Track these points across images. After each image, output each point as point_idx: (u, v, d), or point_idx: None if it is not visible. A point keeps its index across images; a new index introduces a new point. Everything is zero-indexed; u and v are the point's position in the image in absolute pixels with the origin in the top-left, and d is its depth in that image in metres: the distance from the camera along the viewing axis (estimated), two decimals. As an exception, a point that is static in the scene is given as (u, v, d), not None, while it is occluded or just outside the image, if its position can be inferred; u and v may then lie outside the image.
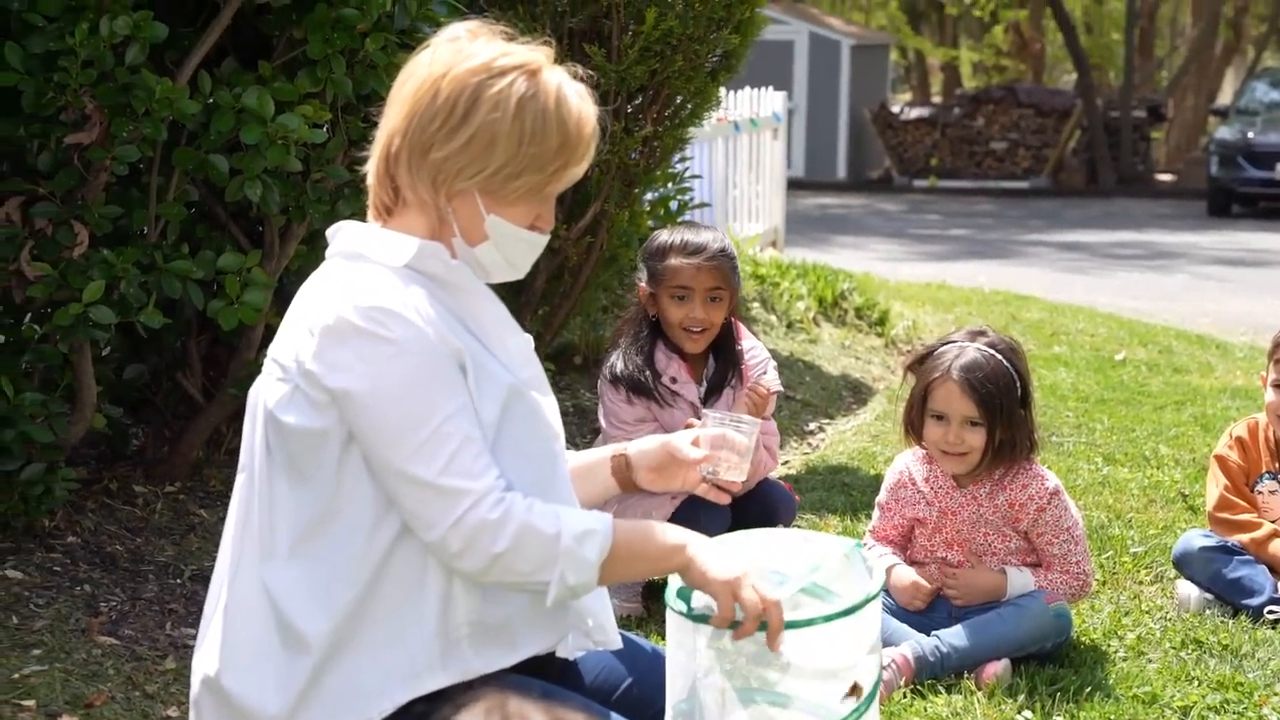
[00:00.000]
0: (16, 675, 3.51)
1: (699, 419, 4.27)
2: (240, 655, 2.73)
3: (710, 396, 4.61)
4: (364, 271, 2.68)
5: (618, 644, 2.95)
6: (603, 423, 4.63)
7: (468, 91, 2.65)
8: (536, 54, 2.71)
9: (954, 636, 3.78)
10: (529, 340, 3.02)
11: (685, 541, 2.67)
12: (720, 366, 4.66)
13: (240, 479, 2.78)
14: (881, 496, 4.17)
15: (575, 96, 2.70)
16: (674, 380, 4.53)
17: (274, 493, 2.72)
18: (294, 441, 2.68)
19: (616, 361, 4.57)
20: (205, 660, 2.76)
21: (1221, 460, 4.60)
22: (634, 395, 4.51)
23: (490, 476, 2.59)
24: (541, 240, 2.77)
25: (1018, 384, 3.91)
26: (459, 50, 2.70)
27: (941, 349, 3.98)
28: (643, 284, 4.54)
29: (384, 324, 2.59)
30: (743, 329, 4.75)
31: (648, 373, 4.51)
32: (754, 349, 4.74)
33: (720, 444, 3.02)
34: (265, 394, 2.72)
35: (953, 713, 3.50)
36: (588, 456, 3.12)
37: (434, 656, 2.70)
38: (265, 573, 2.72)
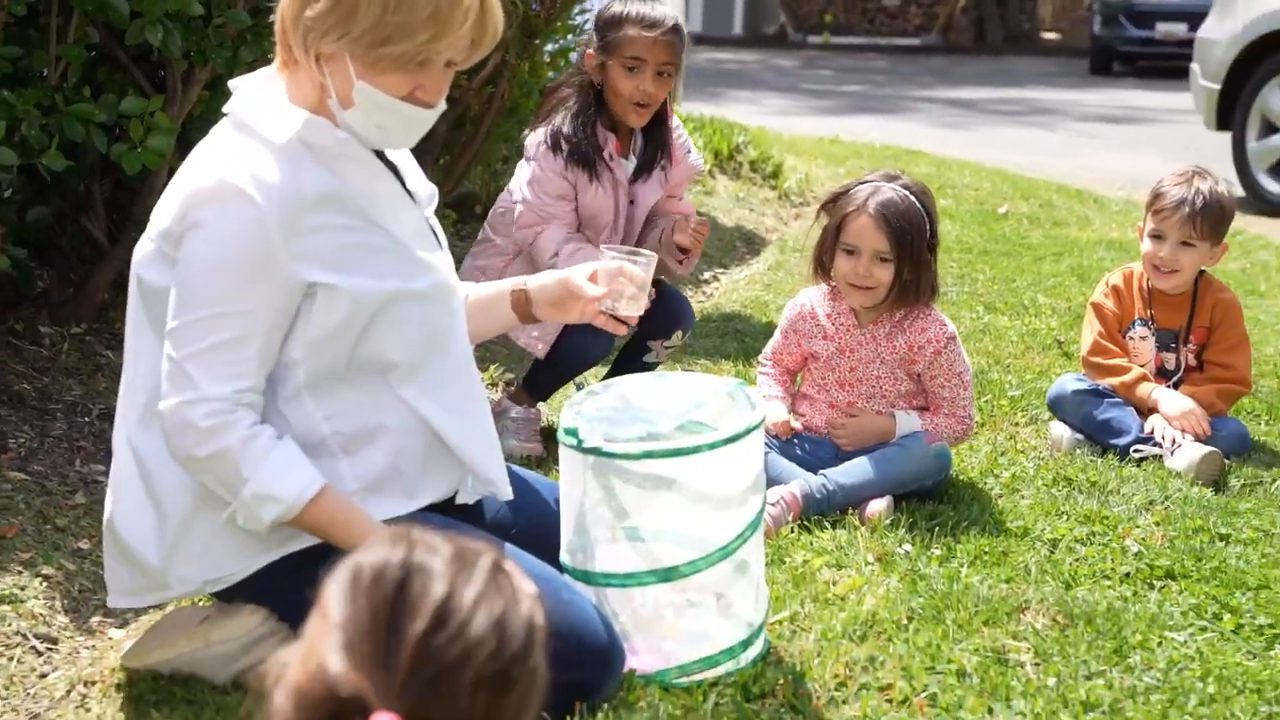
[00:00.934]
0: None
1: (615, 204, 4.40)
2: (123, 507, 2.81)
3: (640, 175, 4.58)
4: (243, 148, 2.67)
5: (508, 494, 3.01)
6: (520, 193, 4.46)
7: None
8: None
9: (840, 475, 3.86)
10: (432, 194, 3.02)
11: None
12: (650, 146, 4.60)
13: (126, 338, 2.81)
14: (782, 324, 4.21)
15: None
16: (610, 156, 4.47)
17: (139, 345, 2.78)
18: (151, 299, 2.71)
19: (563, 126, 4.41)
20: (107, 502, 2.85)
21: (1097, 307, 4.70)
22: (570, 164, 4.38)
23: (228, 388, 2.61)
24: (421, 113, 2.73)
25: (928, 226, 3.97)
26: None
27: (857, 187, 4.00)
28: (591, 52, 4.42)
29: (234, 197, 2.60)
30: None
31: (592, 142, 4.41)
32: (678, 128, 4.73)
33: (617, 277, 3.04)
34: (138, 253, 2.77)
35: (837, 546, 3.59)
36: (488, 289, 3.14)
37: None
38: (131, 431, 2.78)
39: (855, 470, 3.88)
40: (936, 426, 4.03)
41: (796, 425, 4.09)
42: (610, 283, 3.04)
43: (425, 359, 2.83)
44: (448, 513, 2.91)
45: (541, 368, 4.51)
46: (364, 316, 2.70)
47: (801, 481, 3.83)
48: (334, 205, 2.69)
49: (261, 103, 2.73)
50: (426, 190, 3.01)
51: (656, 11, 4.42)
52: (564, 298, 3.06)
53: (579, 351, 4.40)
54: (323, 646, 1.36)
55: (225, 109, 2.78)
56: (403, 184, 2.92)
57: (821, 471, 3.89)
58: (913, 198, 3.96)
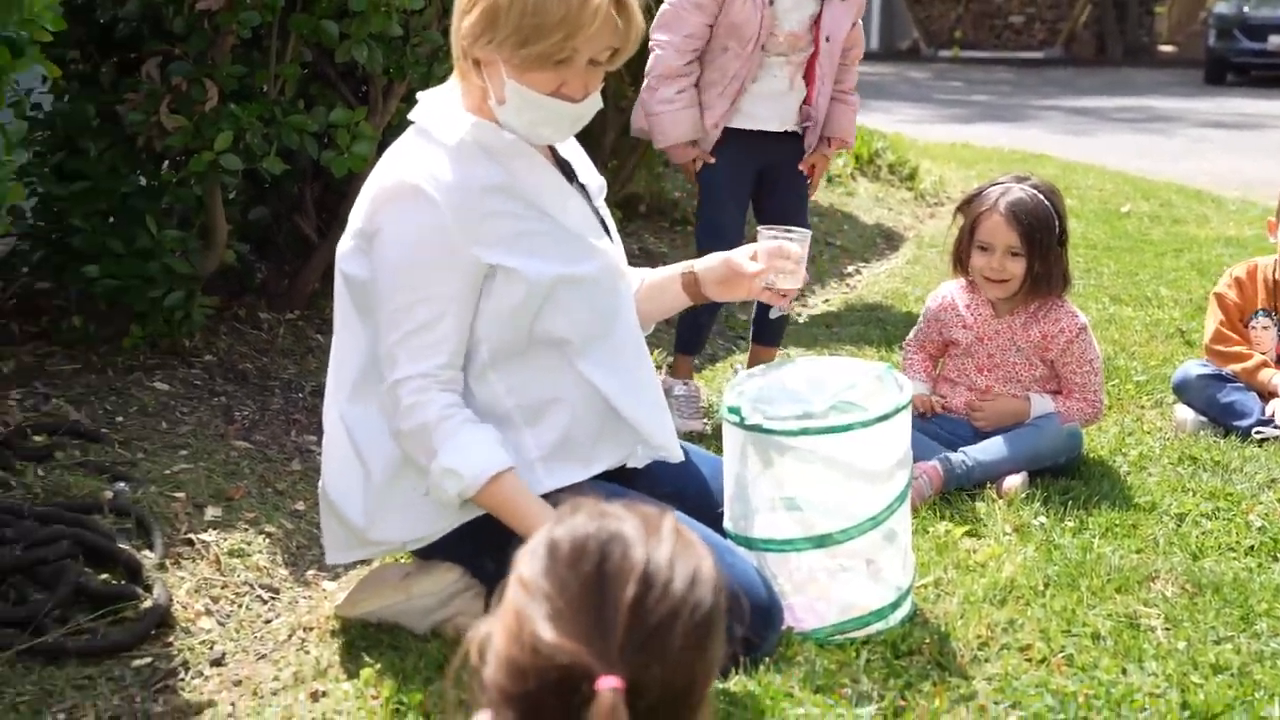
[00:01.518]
0: (168, 471, 3.60)
1: (760, 20, 4.31)
2: (334, 474, 2.85)
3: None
4: (421, 150, 2.72)
5: (679, 457, 3.00)
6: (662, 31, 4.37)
7: None
8: None
9: (979, 452, 3.79)
10: (601, 186, 3.03)
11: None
12: None
13: (335, 320, 2.87)
14: (925, 313, 4.16)
15: None
16: None
17: (346, 331, 2.83)
18: (355, 290, 2.76)
19: None
20: (322, 472, 2.90)
21: (1220, 298, 4.56)
22: None
23: (425, 365, 2.66)
24: (567, 107, 2.71)
25: (1056, 223, 3.89)
26: None
27: (989, 189, 3.94)
28: None
29: (414, 196, 2.65)
30: None
31: None
32: None
33: (776, 255, 3.02)
34: (340, 248, 2.81)
35: (976, 518, 3.53)
36: (660, 274, 3.13)
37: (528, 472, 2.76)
38: (341, 407, 2.83)
39: (992, 448, 3.81)
40: (1069, 409, 3.94)
41: (937, 403, 4.04)
42: (769, 260, 3.01)
43: (596, 336, 2.83)
44: (618, 480, 2.91)
45: (681, 326, 4.61)
46: (539, 297, 2.72)
47: (943, 458, 3.77)
48: (504, 195, 2.71)
49: (439, 110, 2.76)
50: (596, 182, 3.02)
51: None
52: (728, 276, 3.03)
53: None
54: (532, 619, 1.31)
55: (410, 116, 2.81)
56: (574, 177, 2.93)
57: (961, 449, 3.83)
58: (1041, 196, 3.88)
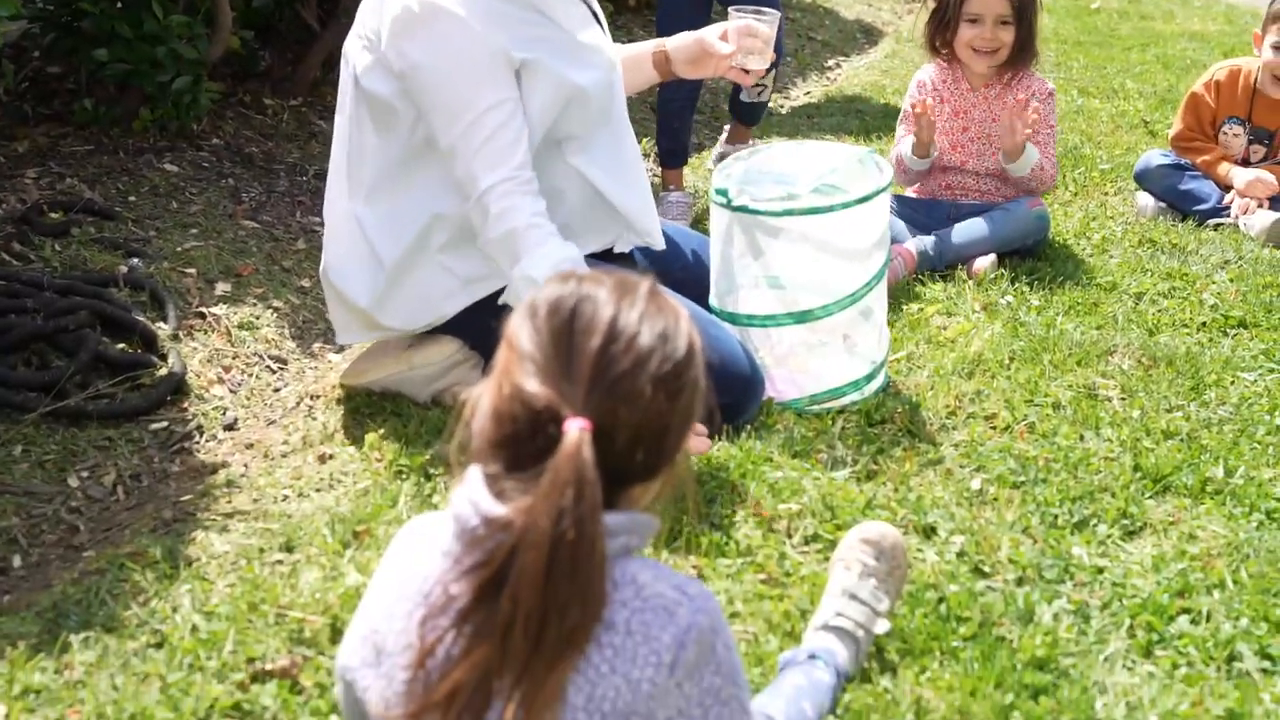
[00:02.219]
0: (180, 249, 3.53)
1: None
2: (340, 260, 2.78)
3: None
4: None
5: (661, 244, 2.94)
6: None
7: None
8: None
9: (951, 235, 3.74)
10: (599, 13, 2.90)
11: None
12: None
13: (338, 119, 2.75)
14: (909, 97, 4.00)
15: None
16: None
17: (363, 138, 2.70)
18: (375, 106, 2.63)
19: None
20: (324, 255, 2.83)
21: (1195, 99, 4.41)
22: None
23: (508, 167, 2.55)
24: None
25: None
26: None
27: None
28: None
29: (438, 17, 2.51)
30: None
31: None
32: None
33: (745, 34, 2.92)
34: (354, 56, 2.66)
35: (948, 296, 3.49)
36: (632, 50, 3.03)
37: (493, 266, 2.70)
38: (354, 206, 2.74)
39: (964, 231, 3.74)
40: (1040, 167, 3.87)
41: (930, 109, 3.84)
42: (739, 40, 2.91)
43: (595, 131, 2.74)
44: (605, 261, 2.85)
45: (661, 139, 4.45)
46: (563, 98, 2.63)
47: (917, 240, 3.71)
48: (515, 4, 2.59)
49: None
50: None
51: None
52: (699, 55, 2.94)
53: (669, 99, 4.35)
54: (514, 371, 1.36)
55: None
56: None
57: (935, 232, 3.76)
58: None
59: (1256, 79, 4.31)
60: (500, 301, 2.66)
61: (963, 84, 3.90)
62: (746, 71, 2.97)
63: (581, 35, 2.71)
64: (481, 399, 1.39)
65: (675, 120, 4.37)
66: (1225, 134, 4.36)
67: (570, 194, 2.74)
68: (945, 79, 3.92)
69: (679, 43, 2.97)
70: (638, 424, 1.35)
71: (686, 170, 4.54)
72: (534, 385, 1.33)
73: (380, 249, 2.72)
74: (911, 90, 4.00)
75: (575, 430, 1.31)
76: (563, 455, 1.29)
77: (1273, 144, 4.32)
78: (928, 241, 3.71)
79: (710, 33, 2.93)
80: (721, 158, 4.72)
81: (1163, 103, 5.70)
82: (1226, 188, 4.26)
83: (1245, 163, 4.33)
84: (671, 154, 4.44)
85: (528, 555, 1.29)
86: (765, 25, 2.93)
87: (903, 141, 3.90)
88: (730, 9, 3.08)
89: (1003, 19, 3.76)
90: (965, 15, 3.80)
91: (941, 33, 3.87)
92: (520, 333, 1.38)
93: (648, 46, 3.03)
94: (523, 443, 1.34)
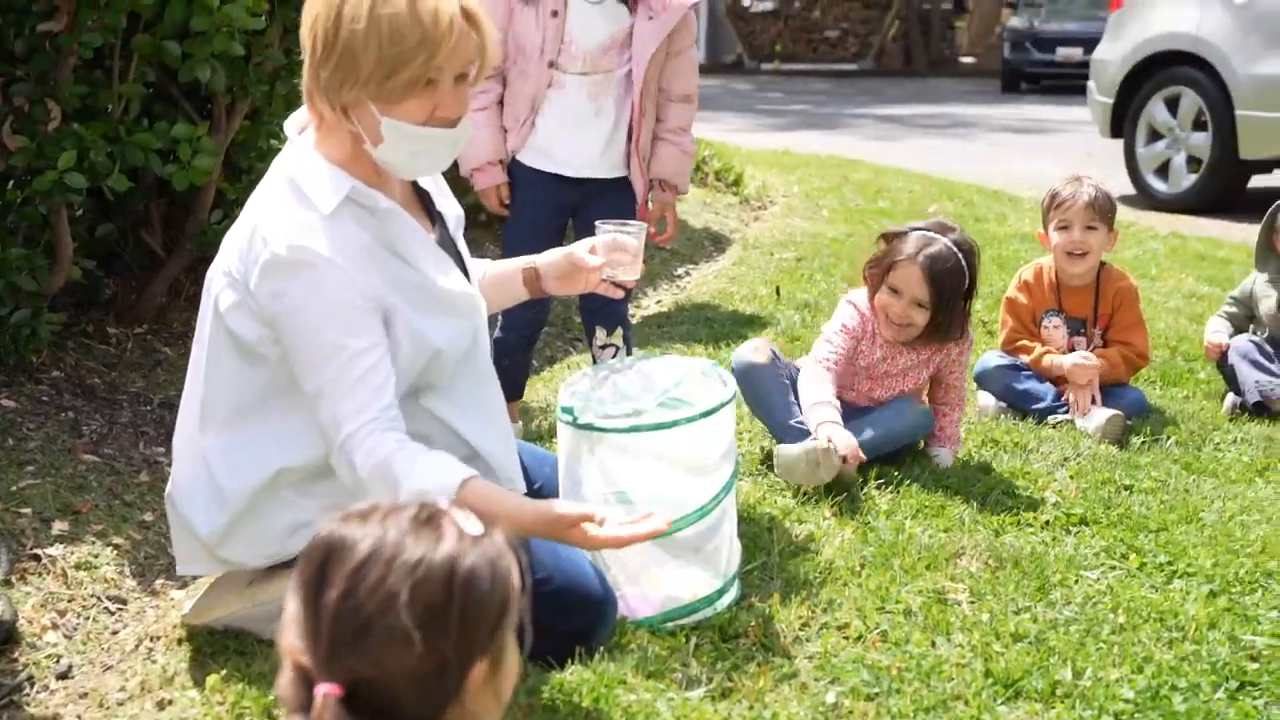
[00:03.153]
0: (14, 488, 3.42)
1: (543, 37, 3.87)
2: (184, 488, 2.74)
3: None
4: (301, 214, 2.54)
5: (523, 488, 2.90)
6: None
7: (333, 13, 2.46)
8: None
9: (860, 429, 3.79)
10: (459, 217, 2.92)
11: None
12: None
13: (195, 349, 2.72)
14: (843, 331, 3.95)
15: None
16: None
17: (220, 371, 2.66)
18: (240, 344, 2.61)
19: None
20: (170, 480, 2.78)
21: (1010, 302, 4.64)
22: None
23: (375, 409, 2.50)
24: (446, 132, 2.56)
25: (967, 280, 3.84)
26: None
27: (914, 233, 3.86)
28: None
29: (309, 264, 2.49)
30: None
31: None
32: None
33: (614, 249, 2.97)
34: (217, 290, 2.62)
35: (800, 503, 3.53)
36: (501, 267, 3.06)
37: (340, 501, 2.65)
38: (203, 439, 2.70)
39: (858, 429, 3.77)
40: (953, 422, 4.01)
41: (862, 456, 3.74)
42: (607, 254, 2.96)
43: (456, 379, 2.74)
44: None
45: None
46: (425, 353, 2.62)
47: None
48: (385, 250, 2.59)
49: (308, 164, 2.60)
50: (455, 212, 2.89)
51: None
52: (569, 270, 2.98)
53: (503, 338, 4.00)
54: (285, 623, 1.33)
55: (279, 158, 2.67)
56: (433, 205, 2.82)
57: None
58: (960, 255, 3.81)
59: (1054, 273, 4.57)
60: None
61: (879, 336, 3.96)
62: (617, 284, 3.02)
63: (442, 280, 2.68)
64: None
65: (506, 359, 3.80)
66: (1047, 328, 4.56)
67: (436, 439, 2.70)
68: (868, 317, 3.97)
69: (549, 259, 3.01)
70: (393, 675, 1.29)
71: (539, 383, 4.56)
72: (294, 641, 1.31)
73: (225, 484, 2.67)
74: (847, 321, 3.97)
75: (319, 696, 1.27)
76: None
77: (1086, 332, 4.54)
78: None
79: (579, 248, 2.98)
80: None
81: (998, 303, 5.92)
82: (1057, 380, 4.43)
83: (1072, 352, 4.52)
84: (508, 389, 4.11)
85: None
86: (632, 238, 3.00)
87: (824, 380, 3.85)
88: (597, 223, 3.10)
89: (919, 301, 3.80)
90: (889, 284, 3.84)
91: (870, 279, 3.92)
92: (293, 579, 1.36)
93: (517, 263, 3.05)
94: (300, 696, 1.30)
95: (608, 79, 3.95)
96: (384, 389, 2.52)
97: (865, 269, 3.97)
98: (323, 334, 2.51)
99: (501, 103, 3.98)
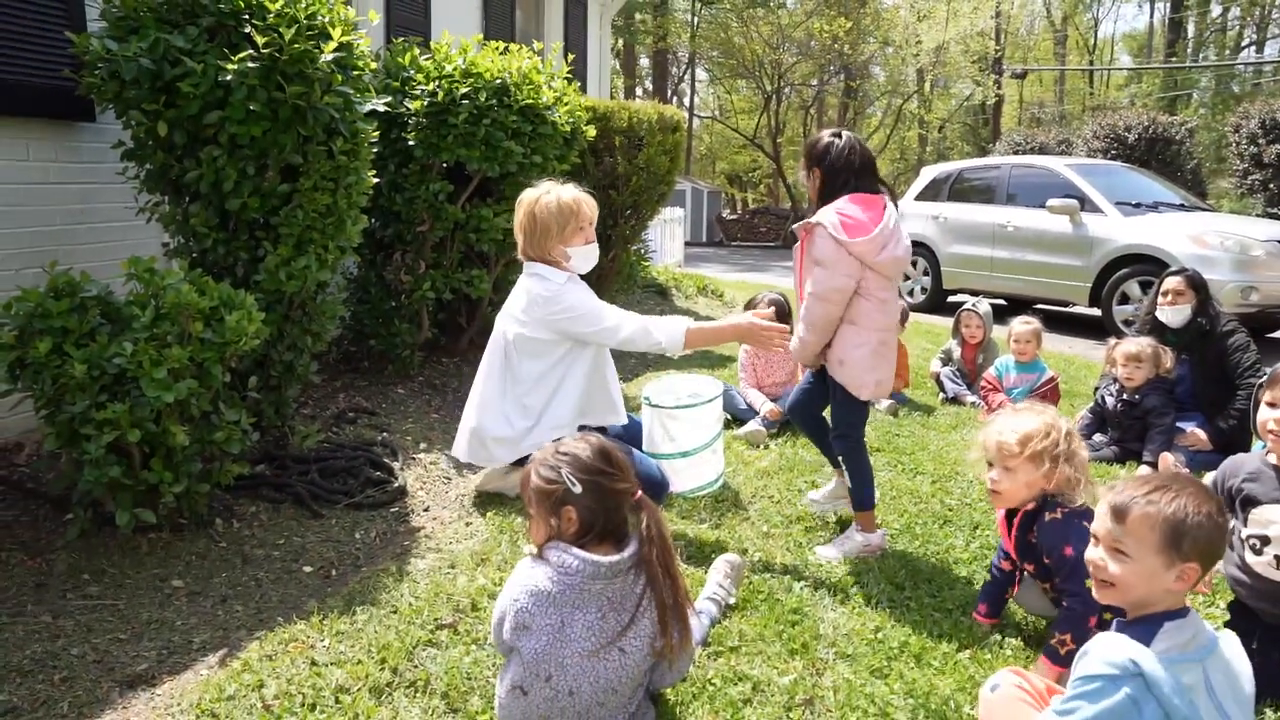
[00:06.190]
0: (403, 429, 3.33)
1: None
2: (488, 426, 2.59)
3: None
4: (550, 278, 2.52)
5: (624, 421, 2.79)
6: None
7: (534, 207, 2.51)
8: (563, 185, 2.55)
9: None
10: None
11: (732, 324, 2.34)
12: None
13: (483, 363, 2.64)
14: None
15: (576, 194, 2.54)
16: None
17: (521, 366, 2.56)
18: (534, 345, 2.53)
19: None
20: (475, 421, 2.57)
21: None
22: None
23: (615, 315, 2.42)
24: (593, 248, 2.56)
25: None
26: (534, 190, 2.55)
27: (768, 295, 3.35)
28: None
29: (566, 290, 2.48)
30: None
31: None
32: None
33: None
34: (507, 328, 2.57)
35: (746, 448, 3.38)
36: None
37: (576, 420, 2.60)
38: (503, 403, 2.57)
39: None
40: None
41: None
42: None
43: (607, 357, 2.65)
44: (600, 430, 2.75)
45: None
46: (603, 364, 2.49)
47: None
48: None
49: (541, 270, 2.49)
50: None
51: None
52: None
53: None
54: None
55: (525, 273, 2.53)
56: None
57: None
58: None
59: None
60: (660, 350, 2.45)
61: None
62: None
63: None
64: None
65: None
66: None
67: (607, 376, 2.58)
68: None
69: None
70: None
71: (632, 385, 4.43)
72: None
73: (516, 424, 2.51)
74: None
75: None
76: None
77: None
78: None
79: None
80: None
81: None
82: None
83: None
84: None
85: None
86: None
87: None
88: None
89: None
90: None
91: None
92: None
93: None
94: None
95: None
96: (613, 308, 2.45)
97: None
98: (587, 304, 2.48)
99: None
